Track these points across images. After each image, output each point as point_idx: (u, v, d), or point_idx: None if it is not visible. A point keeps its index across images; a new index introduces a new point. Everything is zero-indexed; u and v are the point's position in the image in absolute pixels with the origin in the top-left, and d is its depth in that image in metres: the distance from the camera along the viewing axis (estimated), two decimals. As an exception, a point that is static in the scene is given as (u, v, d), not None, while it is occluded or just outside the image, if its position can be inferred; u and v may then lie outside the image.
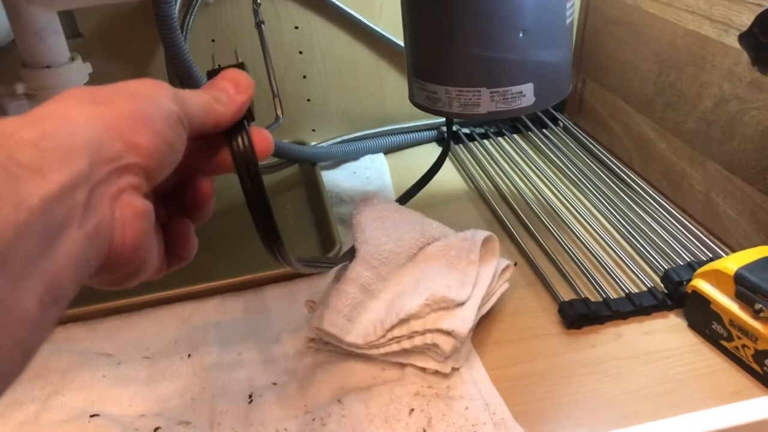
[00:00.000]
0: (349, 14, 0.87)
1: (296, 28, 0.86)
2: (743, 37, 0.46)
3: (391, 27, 0.88)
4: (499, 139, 0.92)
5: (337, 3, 0.86)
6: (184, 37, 0.79)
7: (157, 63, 0.84)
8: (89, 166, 0.26)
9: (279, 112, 0.64)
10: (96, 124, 0.27)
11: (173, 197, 0.38)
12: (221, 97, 0.35)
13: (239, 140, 0.35)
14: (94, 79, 0.82)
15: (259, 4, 0.60)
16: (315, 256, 0.65)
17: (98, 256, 0.27)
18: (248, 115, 0.37)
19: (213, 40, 0.85)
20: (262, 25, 0.61)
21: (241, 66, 0.39)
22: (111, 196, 0.27)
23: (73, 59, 0.60)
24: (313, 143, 0.92)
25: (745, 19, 0.57)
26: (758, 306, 0.49)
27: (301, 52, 0.88)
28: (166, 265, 0.36)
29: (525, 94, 0.60)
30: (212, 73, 0.38)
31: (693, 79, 0.66)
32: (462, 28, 0.57)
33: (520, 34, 0.57)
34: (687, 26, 0.66)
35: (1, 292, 0.22)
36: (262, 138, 0.38)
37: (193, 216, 0.38)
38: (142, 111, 0.29)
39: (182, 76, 0.70)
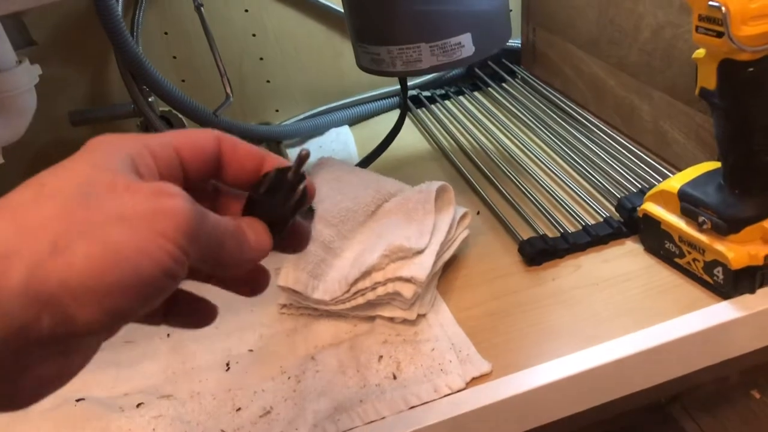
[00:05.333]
0: (297, -9, 0.88)
1: (246, 11, 0.87)
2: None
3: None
4: (460, 98, 0.94)
5: (284, -18, 0.87)
6: (136, 33, 0.81)
7: (113, 63, 0.85)
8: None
9: (228, 91, 0.65)
10: (27, 292, 0.21)
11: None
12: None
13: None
14: (52, 85, 0.83)
15: (195, -14, 0.61)
16: None
17: None
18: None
19: (166, 33, 0.86)
20: (202, 8, 0.62)
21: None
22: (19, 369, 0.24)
23: (20, 62, 0.61)
24: (277, 123, 0.93)
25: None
26: (701, 219, 0.51)
27: (254, 35, 0.89)
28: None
29: (464, 45, 0.61)
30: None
31: (630, 12, 0.67)
32: (393, -15, 0.58)
33: (450, -15, 0.58)
34: (618, -40, 0.67)
35: None
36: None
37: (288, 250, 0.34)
38: (106, 278, 0.22)
39: (134, 72, 0.72)
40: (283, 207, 0.31)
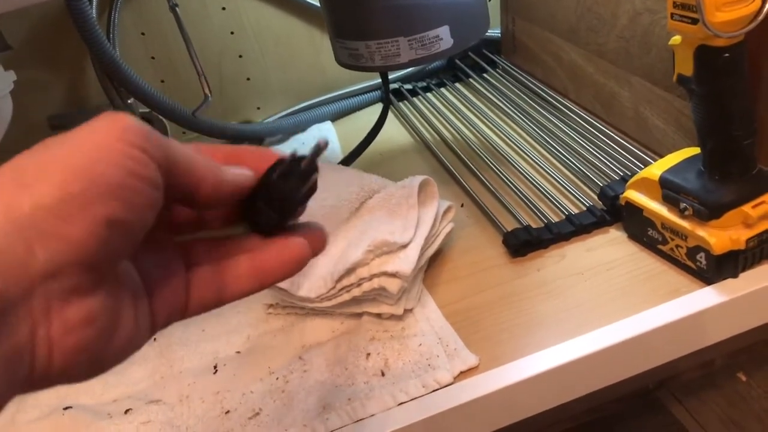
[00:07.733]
0: (274, -12, 0.87)
1: (223, 9, 0.87)
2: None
3: (318, -6, 0.89)
4: (442, 90, 0.93)
5: (260, -22, 0.86)
6: (112, 34, 0.80)
7: (90, 65, 0.84)
8: (2, 285, 0.21)
9: (207, 91, 0.64)
10: (6, 226, 0.21)
11: None
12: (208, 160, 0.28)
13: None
14: (30, 90, 0.82)
15: (169, -13, 0.60)
16: None
17: (13, 381, 0.22)
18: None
19: (143, 33, 0.85)
20: (177, 9, 0.61)
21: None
22: (39, 311, 0.22)
23: (-6, 69, 0.60)
24: (259, 121, 0.93)
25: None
26: (683, 205, 0.51)
27: (232, 33, 0.89)
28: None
29: (442, 38, 0.61)
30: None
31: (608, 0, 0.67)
32: (368, -20, 0.58)
33: (426, -22, 0.58)
34: (594, -52, 0.67)
35: None
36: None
37: None
38: (72, 188, 0.22)
39: (110, 74, 0.71)
40: (296, 193, 0.31)
